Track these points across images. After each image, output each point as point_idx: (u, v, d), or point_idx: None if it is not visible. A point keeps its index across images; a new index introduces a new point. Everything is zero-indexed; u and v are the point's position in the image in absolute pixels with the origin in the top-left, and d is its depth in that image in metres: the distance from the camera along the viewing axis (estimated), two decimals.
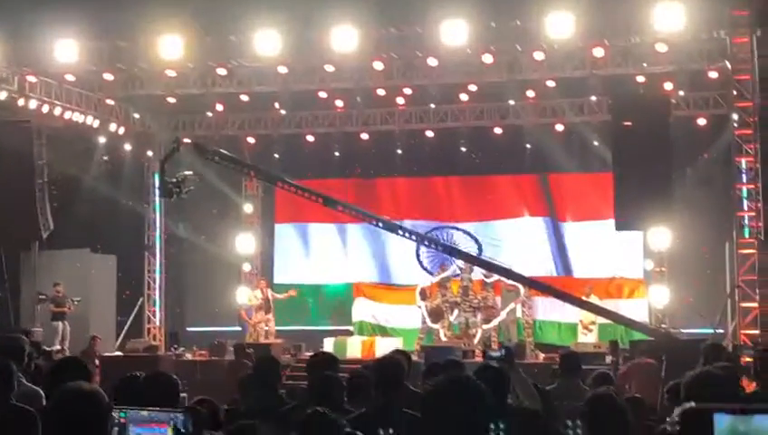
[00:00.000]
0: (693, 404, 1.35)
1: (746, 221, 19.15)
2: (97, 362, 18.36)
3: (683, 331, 19.83)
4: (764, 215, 18.68)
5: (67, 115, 21.43)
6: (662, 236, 21.05)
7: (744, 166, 19.38)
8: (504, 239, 24.58)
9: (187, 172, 16.46)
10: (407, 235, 17.66)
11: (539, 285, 19.37)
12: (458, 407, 3.27)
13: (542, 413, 6.68)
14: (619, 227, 18.62)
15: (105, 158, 23.72)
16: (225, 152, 17.63)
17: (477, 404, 3.28)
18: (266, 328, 22.09)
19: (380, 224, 17.96)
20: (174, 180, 16.14)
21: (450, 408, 3.27)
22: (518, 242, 24.35)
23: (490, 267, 19.19)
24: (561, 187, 24.61)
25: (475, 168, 24.55)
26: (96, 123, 22.41)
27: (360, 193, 25.69)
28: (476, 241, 23.61)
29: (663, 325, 20.61)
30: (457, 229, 23.86)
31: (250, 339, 21.42)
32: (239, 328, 23.75)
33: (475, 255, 20.37)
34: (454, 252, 18.91)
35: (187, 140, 18.45)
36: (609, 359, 17.35)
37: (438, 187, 25.50)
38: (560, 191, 24.62)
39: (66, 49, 18.99)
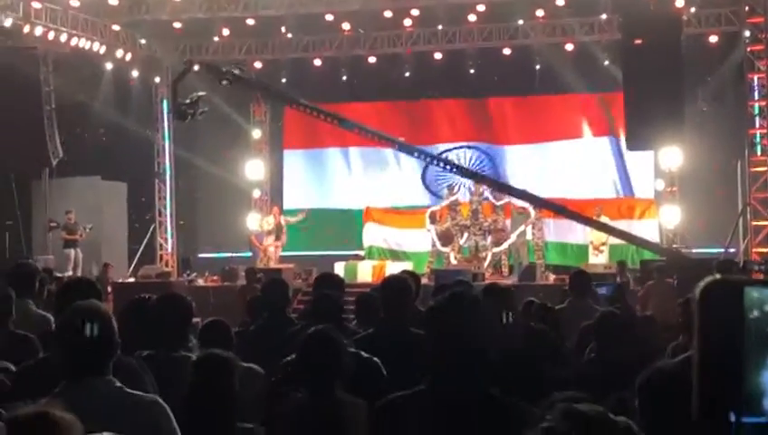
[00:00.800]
0: (718, 276, 1.27)
1: (758, 139, 19.03)
2: (109, 288, 18.45)
3: (694, 250, 19.83)
4: None
5: (73, 41, 21.24)
6: (673, 155, 20.93)
7: (756, 83, 19.23)
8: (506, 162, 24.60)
9: (200, 93, 16.24)
10: (424, 157, 17.47)
11: (554, 207, 19.16)
12: (457, 320, 3.26)
13: (550, 332, 6.70)
14: (629, 147, 18.50)
15: (116, 87, 23.62)
16: (239, 73, 17.36)
17: (476, 317, 3.27)
18: (276, 253, 22.19)
19: (398, 146, 17.73)
20: (187, 102, 15.95)
21: (449, 321, 3.27)
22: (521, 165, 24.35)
23: (505, 189, 18.95)
24: (570, 106, 24.46)
25: (482, 89, 24.35)
26: (102, 49, 22.23)
27: (368, 117, 25.56)
28: (491, 161, 23.66)
29: (674, 245, 20.58)
30: (471, 148, 23.88)
31: (260, 264, 21.49)
32: (250, 253, 23.83)
33: (490, 176, 20.18)
34: (472, 174, 18.60)
35: (197, 64, 18.12)
36: (618, 279, 17.39)
37: (448, 108, 25.36)
38: (565, 112, 24.46)
39: None
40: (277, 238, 22.44)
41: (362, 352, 5.10)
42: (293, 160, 26.36)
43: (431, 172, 25.09)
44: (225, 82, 16.59)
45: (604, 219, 20.66)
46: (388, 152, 25.46)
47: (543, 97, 24.53)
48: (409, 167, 25.40)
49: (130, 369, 4.31)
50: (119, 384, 3.66)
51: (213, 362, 4.27)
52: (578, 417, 1.61)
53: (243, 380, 4.42)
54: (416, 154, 17.34)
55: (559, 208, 18.30)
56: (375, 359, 5.11)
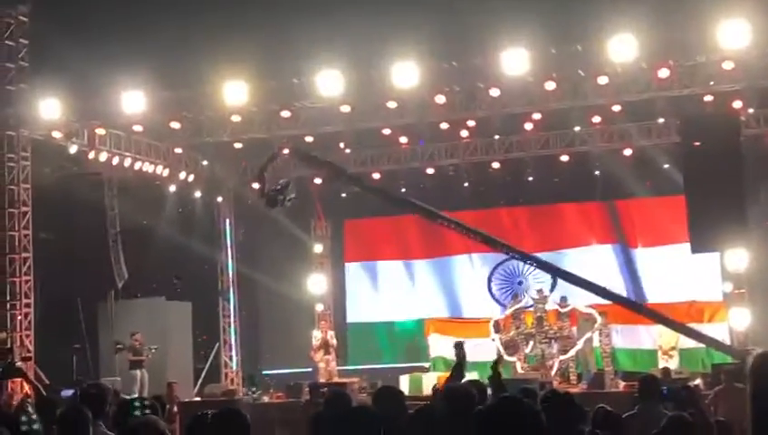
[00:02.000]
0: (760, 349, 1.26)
1: None
2: (175, 408, 18.42)
3: None
4: None
5: (137, 165, 21.73)
6: (739, 256, 20.63)
7: None
8: (572, 268, 24.29)
9: (286, 180, 16.29)
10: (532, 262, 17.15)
11: (646, 311, 18.57)
12: (507, 424, 3.25)
13: None
14: (694, 250, 18.26)
15: (179, 209, 23.99)
16: (334, 163, 17.22)
17: (526, 422, 3.26)
18: (328, 368, 22.10)
19: (507, 251, 17.34)
20: (277, 187, 15.98)
21: (500, 425, 3.26)
22: (586, 271, 24.05)
23: (602, 293, 18.33)
24: (632, 212, 24.32)
25: (543, 197, 24.33)
26: (165, 172, 22.69)
27: (431, 229, 25.64)
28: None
29: (748, 347, 20.13)
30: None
31: (321, 379, 21.38)
32: (311, 369, 23.74)
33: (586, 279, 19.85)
34: (569, 277, 18.09)
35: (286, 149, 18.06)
36: (691, 384, 16.99)
37: (505, 218, 25.33)
38: (630, 217, 24.31)
39: (133, 100, 19.27)
40: (327, 353, 22.36)
41: None
42: (354, 273, 26.42)
43: (497, 281, 24.97)
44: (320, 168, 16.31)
45: None
46: (451, 262, 25.46)
47: (604, 203, 24.49)
48: (469, 277, 25.31)
49: None
50: None
51: None
52: None
53: None
54: (526, 260, 16.93)
55: (638, 307, 17.74)
56: None
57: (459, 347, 9.11)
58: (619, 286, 23.92)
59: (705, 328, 21.05)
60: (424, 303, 25.14)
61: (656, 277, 23.74)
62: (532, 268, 24.54)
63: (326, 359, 22.36)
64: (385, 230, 26.06)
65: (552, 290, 22.96)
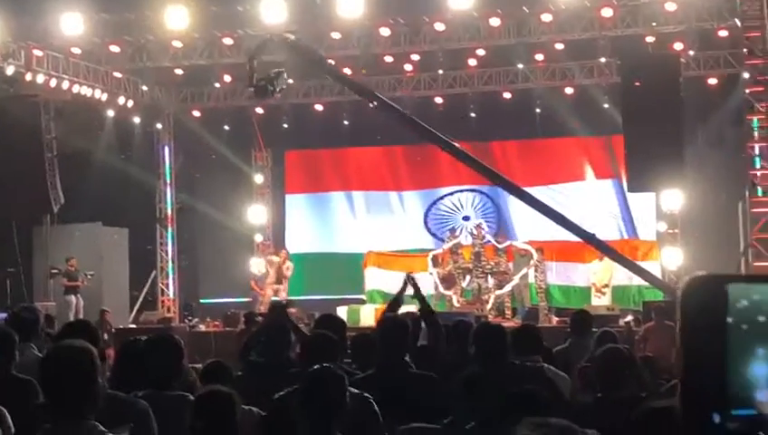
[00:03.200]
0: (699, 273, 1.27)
1: (759, 180, 19.03)
2: (106, 335, 18.35)
3: None
4: None
5: (75, 89, 21.36)
6: (674, 197, 20.94)
7: (755, 124, 19.26)
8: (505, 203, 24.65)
9: (278, 69, 16.04)
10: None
11: (584, 234, 18.37)
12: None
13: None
14: (630, 189, 18.53)
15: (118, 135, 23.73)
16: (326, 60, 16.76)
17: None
18: (276, 297, 22.14)
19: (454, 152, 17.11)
20: (269, 75, 15.75)
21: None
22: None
23: (574, 230, 18.20)
24: (570, 150, 24.54)
25: (484, 134, 24.38)
26: (104, 96, 22.35)
27: (369, 162, 25.68)
28: (494, 203, 23.75)
29: (677, 286, 20.53)
30: (474, 191, 24.00)
31: (261, 309, 21.41)
32: (249, 299, 23.77)
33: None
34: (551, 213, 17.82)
35: (290, 36, 17.44)
36: (622, 321, 17.33)
37: (433, 154, 25.32)
38: (567, 154, 24.52)
39: (72, 22, 18.91)
40: (278, 282, 22.39)
41: (354, 389, 5.07)
42: (296, 205, 26.38)
43: (433, 215, 25.14)
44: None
45: (606, 261, 20.66)
46: (392, 196, 25.55)
47: (546, 140, 24.59)
48: (412, 211, 25.45)
49: (141, 412, 4.31)
50: (101, 429, 3.59)
51: (217, 397, 4.23)
52: (548, 427, 1.60)
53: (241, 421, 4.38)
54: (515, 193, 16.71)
55: (589, 236, 17.63)
56: (367, 395, 5.07)
57: (411, 279, 8.92)
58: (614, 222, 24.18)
59: (639, 265, 21.42)
60: (362, 235, 25.21)
61: (584, 214, 23.96)
62: (480, 204, 24.79)
63: (277, 288, 22.38)
64: (326, 162, 26.03)
65: (495, 227, 23.23)
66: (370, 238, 24.89)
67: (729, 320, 1.22)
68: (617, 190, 23.95)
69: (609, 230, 23.53)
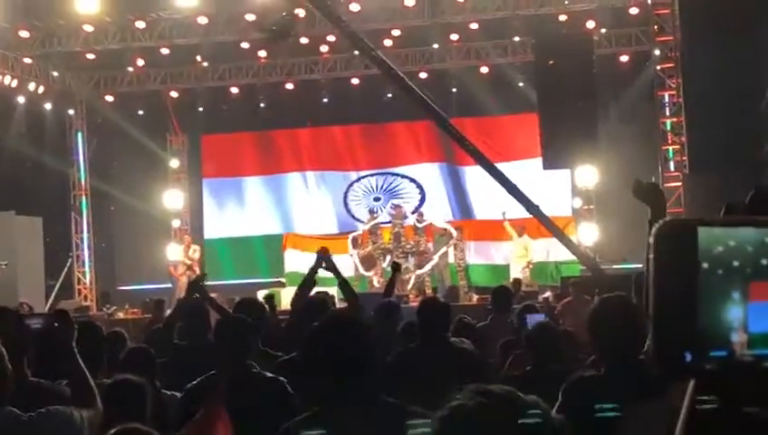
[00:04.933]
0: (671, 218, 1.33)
1: (671, 155, 19.43)
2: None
3: (614, 267, 20.10)
4: (688, 148, 18.98)
5: None
6: (589, 173, 21.25)
7: (666, 100, 19.66)
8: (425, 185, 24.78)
9: (287, 13, 15.59)
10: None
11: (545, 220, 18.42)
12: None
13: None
14: (546, 166, 18.72)
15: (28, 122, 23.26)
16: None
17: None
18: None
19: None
20: (281, 20, 15.28)
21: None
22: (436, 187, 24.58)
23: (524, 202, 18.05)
24: (486, 129, 24.70)
25: (401, 114, 24.43)
26: (14, 83, 21.88)
27: (287, 144, 25.58)
28: (418, 185, 23.84)
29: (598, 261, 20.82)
30: (395, 175, 24.07)
31: (180, 294, 21.24)
32: (170, 285, 23.54)
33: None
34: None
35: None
36: (541, 297, 17.55)
37: (338, 136, 25.41)
38: (483, 134, 24.70)
39: None
40: (189, 269, 22.23)
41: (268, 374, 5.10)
42: (213, 189, 26.16)
43: (352, 196, 25.16)
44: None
45: (526, 237, 20.94)
46: (309, 178, 25.50)
47: (461, 120, 24.72)
48: (327, 193, 25.43)
49: (65, 399, 4.26)
50: (17, 412, 3.56)
51: (126, 386, 4.20)
52: (487, 394, 1.63)
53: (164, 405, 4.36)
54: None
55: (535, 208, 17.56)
56: (282, 378, 5.11)
57: (325, 256, 8.27)
58: (444, 202, 24.47)
59: (555, 242, 21.69)
60: (283, 218, 25.16)
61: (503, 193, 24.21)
62: (391, 185, 24.87)
63: (189, 274, 22.18)
64: (242, 145, 25.83)
65: (418, 206, 23.33)
66: (289, 221, 24.86)
67: (704, 265, 1.26)
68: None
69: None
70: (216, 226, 25.60)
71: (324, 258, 8.16)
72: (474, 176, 23.53)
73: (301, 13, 17.95)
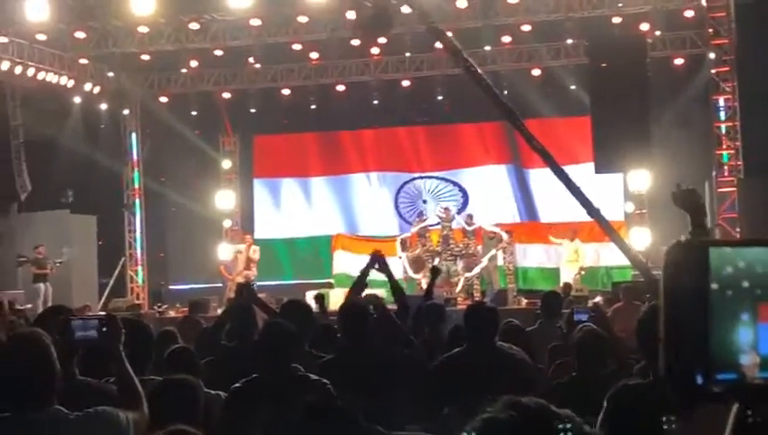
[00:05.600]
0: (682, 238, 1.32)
1: (725, 159, 19.20)
2: None
3: None
4: (743, 152, 18.75)
5: (40, 76, 21.18)
6: (641, 177, 21.04)
7: (721, 104, 19.43)
8: (469, 188, 24.71)
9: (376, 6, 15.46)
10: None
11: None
12: None
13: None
14: (598, 170, 18.56)
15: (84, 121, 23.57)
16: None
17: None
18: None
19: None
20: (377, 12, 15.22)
21: None
22: (482, 190, 24.48)
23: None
24: (537, 132, 24.56)
25: (452, 116, 24.46)
26: (70, 83, 22.19)
27: (337, 145, 25.64)
28: (461, 188, 23.78)
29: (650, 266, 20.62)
30: (439, 178, 24.03)
31: (230, 294, 21.37)
32: (220, 284, 23.71)
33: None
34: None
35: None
36: (591, 302, 17.41)
37: (414, 136, 25.43)
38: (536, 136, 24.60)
39: (37, 8, 18.68)
40: (247, 268, 22.36)
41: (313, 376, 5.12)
42: (264, 190, 26.31)
43: (403, 199, 25.16)
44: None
45: (577, 242, 20.81)
46: (358, 179, 25.55)
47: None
48: (378, 195, 25.45)
49: (104, 393, 4.31)
50: (65, 411, 3.60)
51: (179, 385, 4.23)
52: (518, 407, 1.61)
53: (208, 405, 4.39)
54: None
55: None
56: (325, 381, 5.14)
57: (379, 259, 8.24)
58: (512, 206, 24.39)
59: (607, 247, 21.53)
60: (332, 219, 25.23)
61: (556, 197, 24.11)
62: (438, 188, 24.85)
63: (247, 274, 22.33)
64: (294, 146, 25.96)
65: (461, 210, 23.28)
66: (338, 223, 24.92)
67: (714, 286, 1.25)
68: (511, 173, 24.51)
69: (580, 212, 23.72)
70: (266, 226, 25.73)
71: (378, 260, 8.11)
72: (539, 178, 23.46)
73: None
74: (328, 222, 25.14)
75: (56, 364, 3.60)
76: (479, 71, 14.71)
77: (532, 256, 22.45)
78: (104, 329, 4.02)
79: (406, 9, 19.15)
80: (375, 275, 8.19)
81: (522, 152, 24.21)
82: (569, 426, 1.60)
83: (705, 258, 1.25)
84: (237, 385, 5.15)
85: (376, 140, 25.46)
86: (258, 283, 22.38)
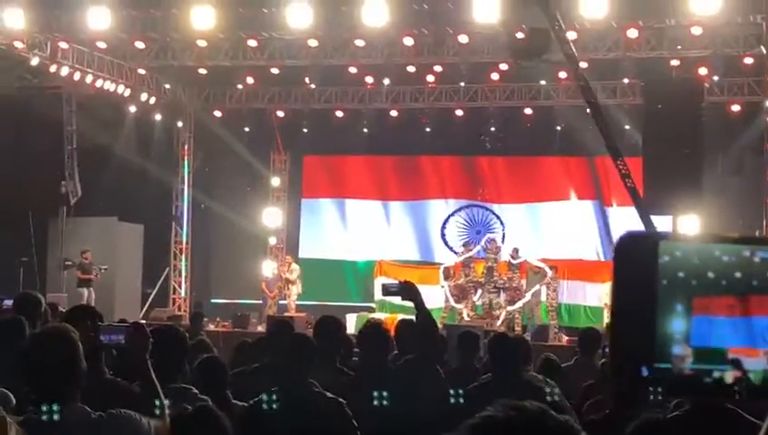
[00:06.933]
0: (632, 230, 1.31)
1: None
2: None
3: None
4: None
5: (98, 83, 21.47)
6: (692, 223, 20.80)
7: None
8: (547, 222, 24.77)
9: (539, 27, 15.29)
10: None
11: None
12: None
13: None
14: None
15: (139, 131, 23.83)
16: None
17: None
18: (286, 302, 22.23)
19: None
20: (537, 39, 15.19)
21: None
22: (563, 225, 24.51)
23: None
24: (589, 171, 24.57)
25: (504, 148, 24.47)
26: (127, 92, 22.46)
27: (387, 171, 25.71)
28: (499, 219, 23.74)
29: None
30: (482, 208, 24.03)
31: (269, 312, 21.46)
32: (261, 301, 23.78)
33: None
34: None
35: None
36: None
37: (473, 166, 25.49)
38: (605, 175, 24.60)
39: (99, 16, 18.95)
40: (287, 287, 22.46)
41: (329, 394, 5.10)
42: (312, 210, 26.42)
43: (451, 228, 25.15)
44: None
45: None
46: (406, 206, 25.58)
47: (560, 158, 24.73)
48: (424, 222, 25.46)
49: (131, 393, 4.32)
50: (88, 410, 3.60)
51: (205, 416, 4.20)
52: (518, 408, 1.60)
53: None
54: None
55: None
56: (341, 400, 5.14)
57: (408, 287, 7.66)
58: (593, 243, 24.35)
59: None
60: (378, 244, 25.23)
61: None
62: (493, 219, 24.86)
63: (286, 293, 22.43)
64: (344, 168, 26.09)
65: (503, 241, 23.19)
66: (382, 247, 24.91)
67: (658, 273, 1.24)
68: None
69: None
70: (311, 246, 25.81)
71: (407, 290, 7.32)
72: (619, 216, 23.45)
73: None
74: (374, 246, 25.14)
75: (82, 361, 3.60)
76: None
77: (576, 293, 22.28)
78: (131, 336, 4.04)
79: (463, 39, 19.18)
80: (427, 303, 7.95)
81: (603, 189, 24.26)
82: (568, 431, 1.59)
83: (654, 250, 1.24)
84: (255, 399, 5.16)
85: (428, 167, 25.60)
86: (299, 302, 22.49)
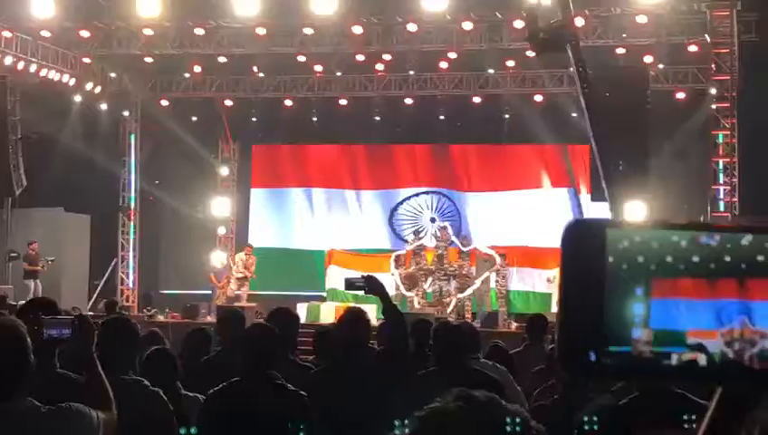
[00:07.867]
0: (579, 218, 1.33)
1: (721, 195, 19.23)
2: None
3: None
4: (739, 189, 18.77)
5: (43, 72, 21.22)
6: (638, 209, 21.02)
7: (720, 140, 19.47)
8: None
9: (557, 20, 15.12)
10: None
11: None
12: None
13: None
14: (594, 198, 18.65)
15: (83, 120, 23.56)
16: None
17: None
18: (238, 292, 22.09)
19: None
20: (551, 28, 14.99)
21: None
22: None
23: None
24: (536, 158, 24.72)
25: (452, 137, 24.52)
26: (72, 81, 22.21)
27: (335, 159, 25.68)
28: (457, 210, 23.90)
29: None
30: (435, 193, 24.11)
31: (217, 302, 21.35)
32: (209, 291, 23.62)
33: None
34: None
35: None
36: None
37: (415, 153, 25.51)
38: (533, 161, 24.72)
39: (43, 5, 18.74)
40: (244, 278, 22.36)
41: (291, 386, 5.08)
42: (260, 199, 26.31)
43: (398, 216, 25.19)
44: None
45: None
46: (352, 195, 25.58)
47: (507, 146, 24.81)
48: (374, 210, 25.48)
49: (83, 386, 4.29)
50: (37, 404, 3.56)
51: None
52: (468, 398, 1.61)
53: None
54: None
55: None
56: (303, 393, 5.11)
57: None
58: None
59: None
60: (326, 233, 25.18)
61: (551, 222, 24.19)
62: (443, 207, 24.91)
63: (239, 284, 22.30)
64: (293, 158, 26.00)
65: (458, 231, 23.27)
66: (332, 236, 24.88)
67: (610, 259, 1.25)
68: (572, 200, 24.26)
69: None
70: (260, 236, 25.69)
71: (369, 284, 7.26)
72: (514, 201, 23.66)
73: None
74: (324, 235, 25.08)
75: (30, 356, 3.55)
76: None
77: (525, 279, 22.41)
78: (76, 329, 4.00)
79: (412, 27, 19.20)
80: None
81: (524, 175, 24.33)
82: (517, 420, 1.61)
83: (601, 236, 1.26)
84: (216, 389, 5.13)
85: (371, 155, 25.53)
86: (250, 292, 22.39)
